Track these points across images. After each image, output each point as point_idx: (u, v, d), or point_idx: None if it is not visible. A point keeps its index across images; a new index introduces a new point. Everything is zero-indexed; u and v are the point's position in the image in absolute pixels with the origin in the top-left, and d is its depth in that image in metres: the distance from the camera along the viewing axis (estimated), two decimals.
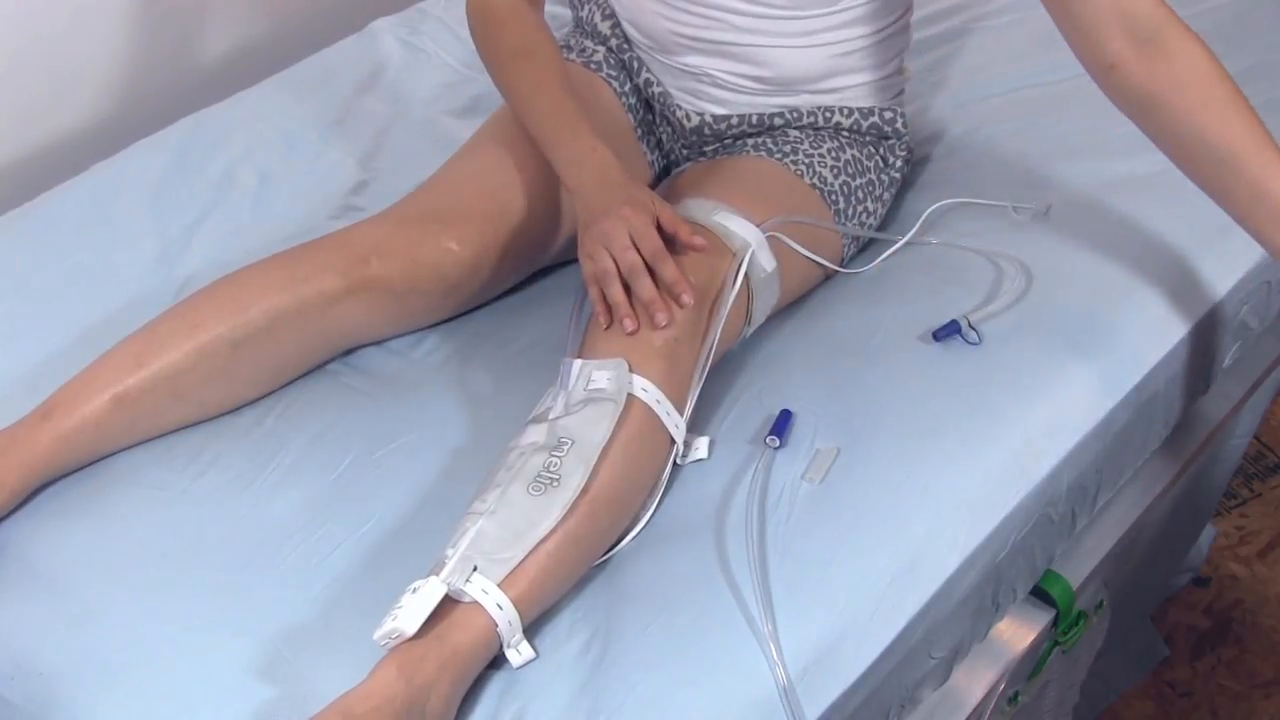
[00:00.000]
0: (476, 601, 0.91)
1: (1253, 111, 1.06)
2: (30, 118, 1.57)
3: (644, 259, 1.05)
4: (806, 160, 1.26)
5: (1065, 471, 1.15)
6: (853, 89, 1.29)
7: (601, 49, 1.36)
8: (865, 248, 1.34)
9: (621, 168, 1.13)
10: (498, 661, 0.95)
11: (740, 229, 1.14)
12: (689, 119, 1.32)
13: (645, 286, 1.04)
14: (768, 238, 1.15)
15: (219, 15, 1.71)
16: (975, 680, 1.20)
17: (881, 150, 1.32)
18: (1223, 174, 1.06)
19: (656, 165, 1.40)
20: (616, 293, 1.05)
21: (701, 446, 1.10)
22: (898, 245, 1.29)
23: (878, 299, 1.25)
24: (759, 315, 1.18)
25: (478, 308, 1.27)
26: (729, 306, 1.11)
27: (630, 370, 1.02)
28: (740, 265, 1.12)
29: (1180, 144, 1.08)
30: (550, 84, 1.19)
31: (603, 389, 1.01)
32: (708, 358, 1.09)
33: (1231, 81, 1.06)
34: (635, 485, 1.02)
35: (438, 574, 0.92)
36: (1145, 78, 1.06)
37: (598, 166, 1.13)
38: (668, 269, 1.05)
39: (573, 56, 1.36)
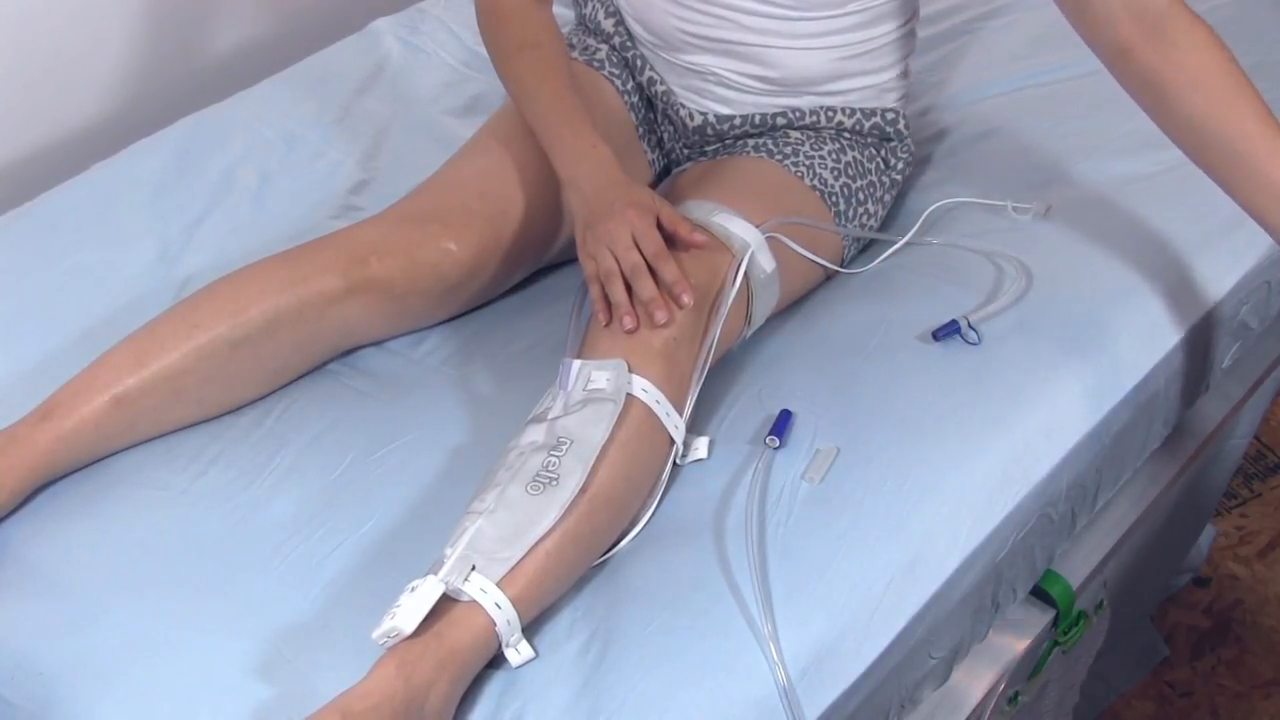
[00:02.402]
0: (475, 600, 0.91)
1: (1259, 97, 1.07)
2: (30, 118, 1.57)
3: (645, 259, 1.06)
4: (807, 162, 1.26)
5: (1065, 471, 1.15)
6: (856, 91, 1.29)
7: (604, 47, 1.36)
8: (866, 248, 1.34)
9: (620, 166, 1.13)
10: (497, 661, 0.95)
11: (740, 230, 1.14)
12: (692, 118, 1.32)
13: (646, 286, 1.05)
14: (767, 239, 1.16)
15: (219, 15, 1.71)
16: (975, 680, 1.20)
17: (883, 152, 1.32)
18: (1229, 160, 1.07)
19: (657, 165, 1.40)
20: (618, 292, 1.05)
21: (701, 446, 1.10)
22: (898, 245, 1.29)
23: (878, 299, 1.25)
24: (759, 316, 1.18)
25: (478, 308, 1.27)
26: (728, 307, 1.11)
27: (630, 370, 1.02)
28: (740, 266, 1.12)
29: (1187, 129, 1.09)
30: (553, 78, 1.19)
31: (602, 389, 1.01)
32: (707, 358, 1.09)
33: (1239, 68, 1.07)
34: (634, 485, 1.02)
35: (436, 573, 0.92)
36: (1155, 63, 1.07)
37: (597, 163, 1.13)
38: (669, 269, 1.06)
39: (575, 54, 1.36)
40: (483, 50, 1.26)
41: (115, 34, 1.61)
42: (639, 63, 1.34)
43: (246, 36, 1.76)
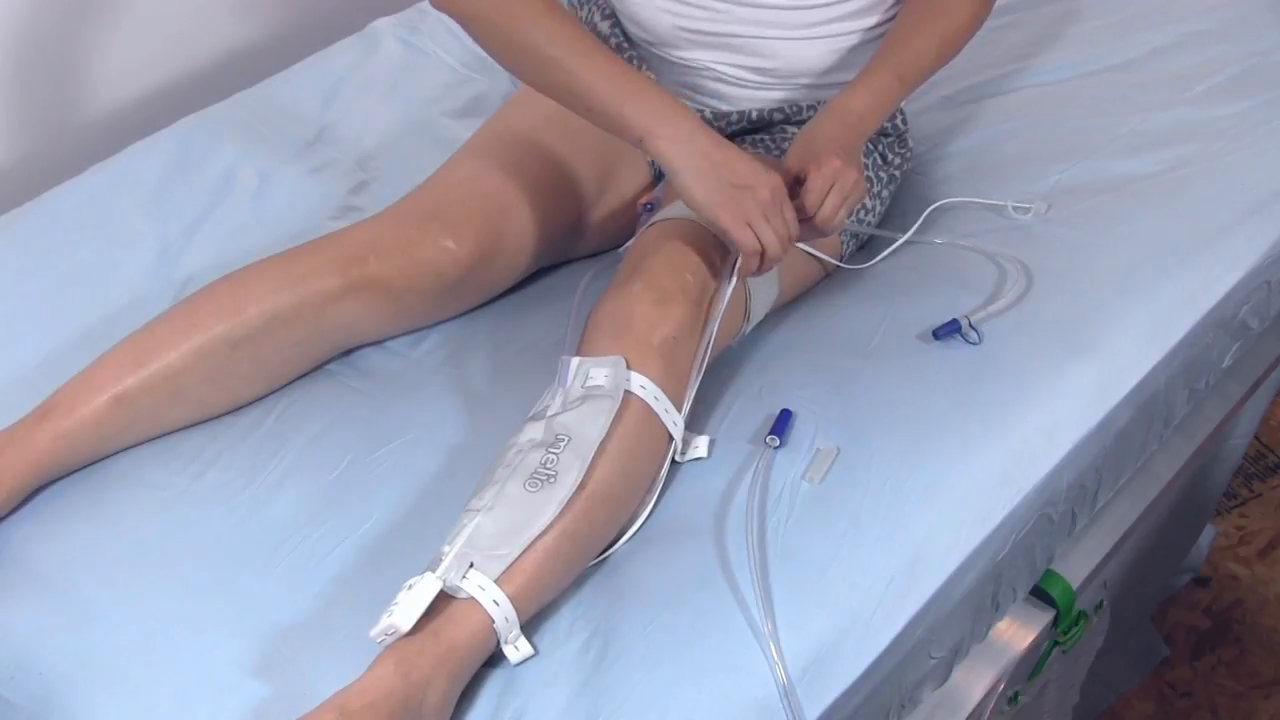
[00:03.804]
0: (473, 598, 0.91)
1: (939, 44, 1.20)
2: (31, 117, 1.57)
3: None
4: None
5: (1065, 471, 1.15)
6: None
7: None
8: (864, 245, 1.34)
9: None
10: (497, 660, 0.95)
11: None
12: None
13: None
14: None
15: (219, 15, 1.71)
16: (975, 680, 1.20)
17: (880, 147, 1.33)
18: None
19: (655, 165, 1.39)
20: (750, 265, 1.08)
21: (701, 445, 1.10)
22: (898, 243, 1.29)
23: (878, 298, 1.25)
24: (757, 312, 1.18)
25: (477, 307, 1.27)
26: (725, 303, 1.10)
27: (628, 367, 1.02)
28: (737, 261, 1.12)
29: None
30: (599, 45, 1.11)
31: (600, 385, 1.01)
32: (705, 354, 1.09)
33: (959, 18, 1.21)
34: (632, 481, 1.02)
35: (434, 570, 0.92)
36: None
37: (696, 123, 1.07)
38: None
39: None
40: (483, 51, 1.22)
41: (112, 33, 1.61)
42: (636, 64, 1.34)
43: (247, 36, 1.76)
